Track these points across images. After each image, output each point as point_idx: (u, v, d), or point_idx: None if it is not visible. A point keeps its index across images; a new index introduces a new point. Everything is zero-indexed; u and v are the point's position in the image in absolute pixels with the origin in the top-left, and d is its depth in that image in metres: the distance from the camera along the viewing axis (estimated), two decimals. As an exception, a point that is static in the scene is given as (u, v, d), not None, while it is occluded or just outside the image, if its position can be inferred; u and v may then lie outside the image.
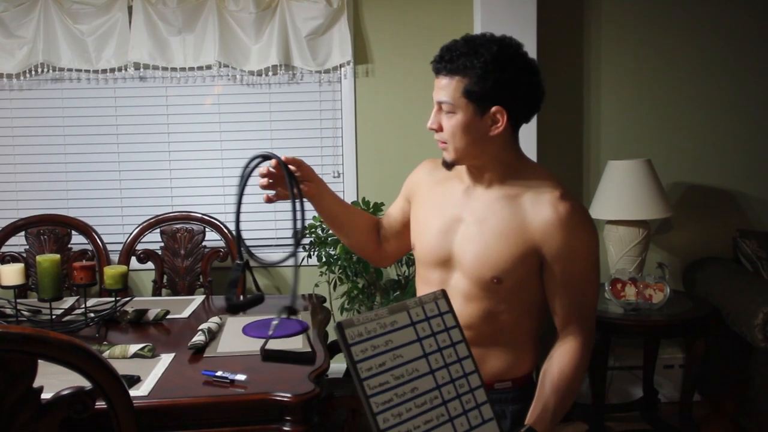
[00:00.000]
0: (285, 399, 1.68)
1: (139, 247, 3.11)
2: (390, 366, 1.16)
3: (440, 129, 1.42)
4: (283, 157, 1.46)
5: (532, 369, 1.54)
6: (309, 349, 1.48)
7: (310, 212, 3.08)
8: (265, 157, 1.46)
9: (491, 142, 1.40)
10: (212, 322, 2.21)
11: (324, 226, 3.00)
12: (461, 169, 1.52)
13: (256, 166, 1.46)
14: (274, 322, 1.42)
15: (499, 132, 1.39)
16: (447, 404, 1.19)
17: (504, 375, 1.47)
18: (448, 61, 1.38)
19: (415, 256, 1.59)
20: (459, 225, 1.47)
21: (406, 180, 1.69)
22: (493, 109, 1.37)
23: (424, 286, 1.56)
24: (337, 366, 2.53)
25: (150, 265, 3.12)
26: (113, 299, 2.32)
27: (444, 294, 1.28)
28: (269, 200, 1.53)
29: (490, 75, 1.34)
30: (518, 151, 1.48)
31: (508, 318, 1.45)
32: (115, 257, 3.15)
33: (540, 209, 1.39)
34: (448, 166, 1.47)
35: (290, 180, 1.45)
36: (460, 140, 1.40)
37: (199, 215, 3.14)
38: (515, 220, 1.40)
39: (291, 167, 1.48)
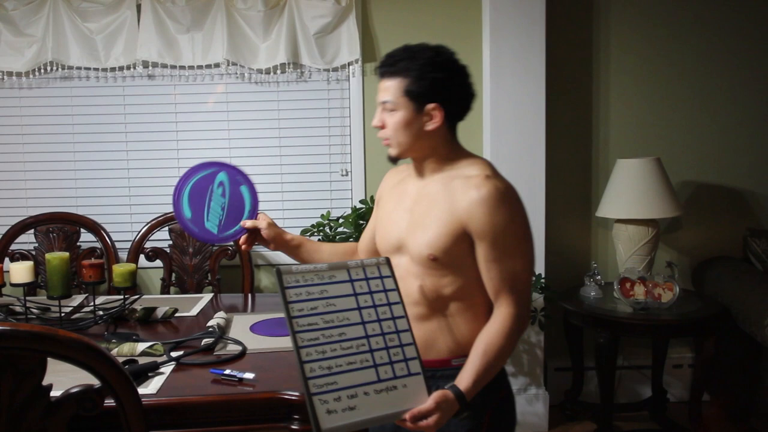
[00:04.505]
0: (293, 397, 1.68)
1: (148, 245, 3.11)
2: (321, 311, 1.29)
3: (383, 126, 1.58)
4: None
5: None
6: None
7: (321, 209, 3.09)
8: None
9: (428, 136, 1.56)
10: (219, 318, 2.21)
11: (332, 225, 3.01)
12: (414, 168, 1.67)
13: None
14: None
15: (435, 127, 1.55)
16: (373, 352, 1.31)
17: (459, 351, 1.56)
18: (390, 65, 1.55)
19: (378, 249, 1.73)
20: (407, 214, 1.62)
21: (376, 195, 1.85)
22: (430, 106, 1.53)
23: None
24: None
25: (158, 263, 3.12)
26: (122, 297, 2.32)
27: (387, 261, 1.43)
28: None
29: (427, 76, 1.51)
30: (455, 145, 1.62)
31: (453, 292, 1.56)
32: (123, 255, 3.16)
33: (466, 191, 1.52)
34: (393, 160, 1.64)
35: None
36: (402, 136, 1.56)
37: (207, 213, 3.14)
38: (446, 202, 1.53)
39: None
